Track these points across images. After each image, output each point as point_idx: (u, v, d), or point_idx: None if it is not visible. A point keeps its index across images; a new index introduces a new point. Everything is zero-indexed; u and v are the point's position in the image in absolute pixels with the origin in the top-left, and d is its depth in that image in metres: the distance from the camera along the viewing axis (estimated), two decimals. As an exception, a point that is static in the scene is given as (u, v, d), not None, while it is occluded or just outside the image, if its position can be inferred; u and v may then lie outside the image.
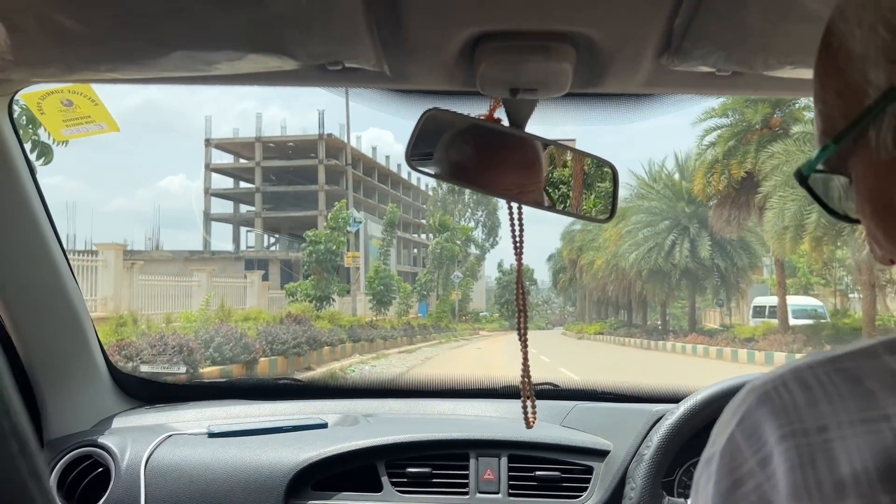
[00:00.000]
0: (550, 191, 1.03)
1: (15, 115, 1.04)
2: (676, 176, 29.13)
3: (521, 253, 1.03)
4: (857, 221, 0.55)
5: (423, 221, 47.10)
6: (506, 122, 1.00)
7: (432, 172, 1.00)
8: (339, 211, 24.13)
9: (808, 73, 0.84)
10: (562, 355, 21.09)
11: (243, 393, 1.63)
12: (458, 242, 38.23)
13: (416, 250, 47.63)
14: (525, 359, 1.08)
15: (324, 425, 1.44)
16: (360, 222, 29.06)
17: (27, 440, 0.29)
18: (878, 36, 0.47)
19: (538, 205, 1.01)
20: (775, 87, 0.95)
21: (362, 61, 0.85)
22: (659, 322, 32.73)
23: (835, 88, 0.52)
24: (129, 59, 0.81)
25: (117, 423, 1.44)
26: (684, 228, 27.14)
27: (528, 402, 1.10)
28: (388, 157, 45.65)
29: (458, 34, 0.85)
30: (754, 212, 20.19)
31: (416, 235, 48.15)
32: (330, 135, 38.95)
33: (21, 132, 1.08)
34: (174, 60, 0.81)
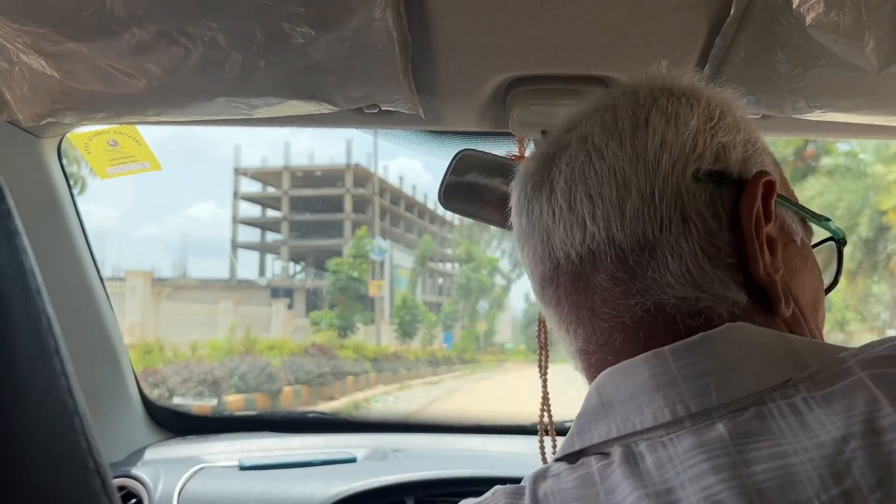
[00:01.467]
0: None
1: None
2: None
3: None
4: None
5: (449, 251, 47.22)
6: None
7: (465, 211, 1.01)
8: (361, 238, 24.29)
9: (836, 116, 0.85)
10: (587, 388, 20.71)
11: (272, 426, 1.64)
12: (485, 272, 38.17)
13: (441, 280, 47.68)
14: (545, 397, 1.08)
15: (353, 460, 1.45)
16: (386, 251, 29.20)
17: (100, 460, 0.30)
18: None
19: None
20: (805, 129, 0.95)
21: (398, 105, 0.88)
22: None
23: None
24: (175, 104, 0.84)
25: (150, 454, 1.46)
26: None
27: (548, 441, 1.10)
28: (414, 187, 46.03)
29: (492, 79, 0.88)
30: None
31: (441, 265, 48.24)
32: (357, 164, 39.43)
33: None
34: (217, 106, 0.84)
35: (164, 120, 0.90)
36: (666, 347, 0.49)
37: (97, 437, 1.03)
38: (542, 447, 1.12)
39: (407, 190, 44.84)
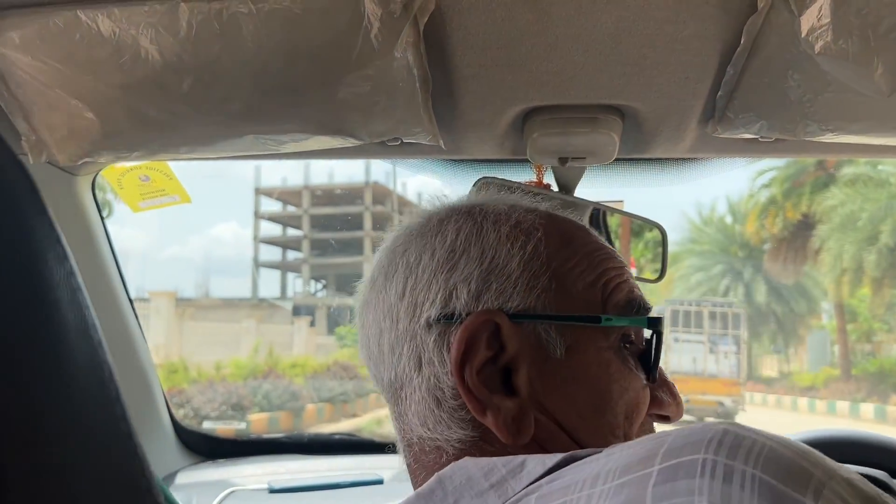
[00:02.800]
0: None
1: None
2: (728, 219, 28.65)
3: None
4: None
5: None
6: (554, 187, 1.04)
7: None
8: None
9: (847, 139, 0.86)
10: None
11: (300, 448, 1.67)
12: (505, 288, 37.99)
13: (462, 296, 47.59)
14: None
15: (380, 481, 1.46)
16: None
17: (153, 479, 0.33)
18: None
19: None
20: (817, 150, 0.97)
21: (419, 137, 0.90)
22: (713, 368, 31.69)
23: None
24: (206, 143, 0.88)
25: (181, 478, 1.49)
26: (738, 273, 26.56)
27: None
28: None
29: (509, 110, 0.90)
30: (811, 255, 19.71)
31: (461, 281, 48.11)
32: (376, 182, 39.66)
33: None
34: (246, 142, 0.88)
35: (195, 156, 0.94)
36: (412, 495, 0.53)
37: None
38: None
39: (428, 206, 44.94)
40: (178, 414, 1.60)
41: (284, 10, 0.74)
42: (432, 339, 0.57)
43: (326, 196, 41.04)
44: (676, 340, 14.69)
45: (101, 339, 0.32)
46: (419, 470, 0.59)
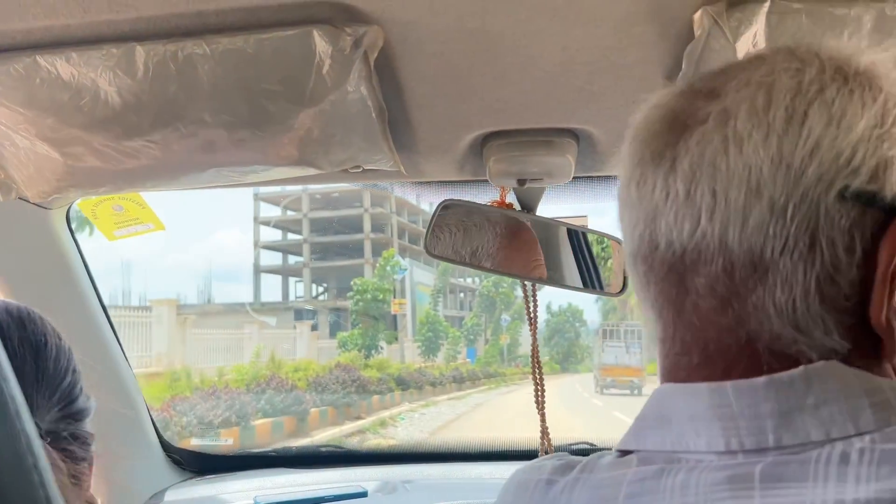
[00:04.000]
0: (564, 268, 1.08)
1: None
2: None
3: (536, 327, 1.08)
4: None
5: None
6: (517, 206, 1.06)
7: (451, 258, 1.06)
8: (388, 260, 24.41)
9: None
10: (615, 398, 20.62)
11: (287, 461, 1.70)
12: (506, 285, 38.11)
13: (461, 294, 47.68)
14: (543, 429, 1.12)
15: (363, 494, 1.49)
16: (405, 269, 29.30)
17: None
18: None
19: (552, 282, 1.07)
20: None
21: (380, 164, 0.93)
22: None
23: None
24: (170, 177, 0.90)
25: (170, 496, 1.51)
26: (735, 263, 26.56)
27: None
28: (432, 204, 46.16)
29: (466, 135, 0.93)
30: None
31: (462, 280, 48.29)
32: (373, 186, 39.61)
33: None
34: (209, 175, 0.90)
35: (161, 189, 0.96)
36: (729, 385, 0.46)
37: (118, 481, 1.09)
38: None
39: (425, 207, 45.06)
40: (182, 422, 1.62)
41: (238, 50, 0.76)
42: (846, 217, 0.44)
43: (325, 200, 41.08)
44: (606, 346, 23.91)
45: (20, 411, 0.34)
46: (747, 368, 0.47)
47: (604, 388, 21.78)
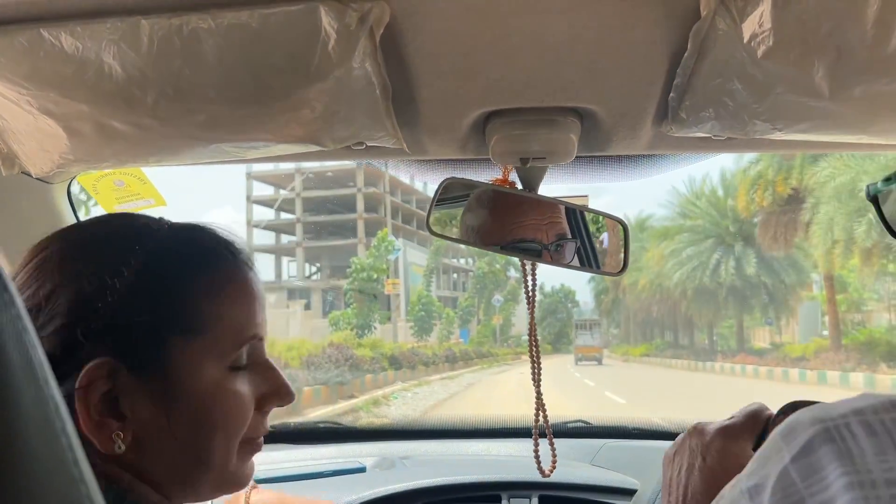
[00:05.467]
0: (564, 248, 1.09)
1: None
2: (720, 192, 28.73)
3: (534, 305, 1.09)
4: None
5: (463, 246, 47.17)
6: (519, 185, 1.07)
7: (452, 236, 1.06)
8: (382, 240, 24.40)
9: (796, 136, 0.89)
10: (606, 379, 20.84)
11: (285, 437, 1.71)
12: (499, 266, 38.15)
13: (455, 275, 47.71)
14: (539, 403, 1.13)
15: (362, 469, 1.51)
16: (399, 249, 29.27)
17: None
18: None
19: (552, 262, 1.07)
20: (769, 146, 1.00)
21: (383, 141, 0.93)
22: (706, 342, 32.14)
23: None
24: (172, 152, 0.90)
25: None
26: (729, 246, 26.68)
27: (550, 448, 1.15)
28: (425, 184, 45.97)
29: (470, 113, 0.93)
30: (801, 227, 19.83)
31: (455, 260, 48.28)
32: (368, 163, 39.44)
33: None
34: (211, 151, 0.90)
35: (163, 165, 0.96)
36: None
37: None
38: (536, 452, 1.17)
39: (418, 187, 44.92)
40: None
41: (243, 24, 0.76)
42: None
43: (318, 179, 40.87)
44: (578, 333, 35.69)
45: (48, 378, 0.35)
46: None
47: (578, 361, 32.54)
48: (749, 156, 20.40)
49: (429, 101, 0.90)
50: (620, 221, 1.07)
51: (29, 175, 0.96)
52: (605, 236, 1.09)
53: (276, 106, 0.84)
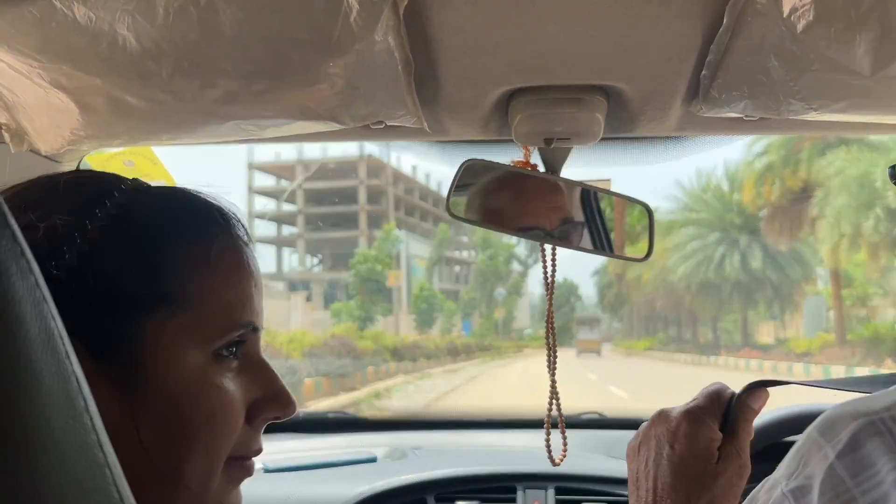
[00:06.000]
0: (586, 232, 1.06)
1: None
2: (725, 186, 28.68)
3: (552, 292, 1.07)
4: None
5: (465, 239, 47.23)
6: (541, 167, 1.04)
7: (472, 219, 1.04)
8: (388, 233, 24.40)
9: (832, 116, 0.86)
10: (610, 373, 20.84)
11: (295, 427, 1.69)
12: (501, 259, 38.15)
13: (457, 268, 47.70)
14: (553, 392, 1.11)
15: (373, 459, 1.48)
16: (401, 242, 29.27)
17: (124, 490, 0.33)
18: None
19: (574, 246, 1.04)
20: (802, 127, 0.97)
21: (403, 119, 0.90)
22: (710, 337, 32.17)
23: None
24: (187, 129, 0.88)
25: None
26: (734, 240, 26.64)
27: (562, 437, 1.13)
28: (428, 176, 45.95)
29: (493, 91, 0.90)
30: (807, 222, 19.78)
31: (457, 253, 48.25)
32: (370, 155, 39.45)
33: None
34: (227, 128, 0.87)
35: (176, 142, 0.93)
36: None
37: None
38: (547, 441, 1.15)
39: (421, 179, 44.81)
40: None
41: (262, -5, 0.73)
42: None
43: (320, 170, 40.84)
44: (578, 329, 37.37)
45: (69, 351, 0.32)
46: None
47: (579, 353, 34.44)
48: (755, 148, 20.31)
49: (451, 78, 0.87)
50: (645, 205, 1.04)
51: (38, 153, 0.93)
52: (628, 220, 1.06)
53: (294, 80, 0.81)
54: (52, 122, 0.86)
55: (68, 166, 1.07)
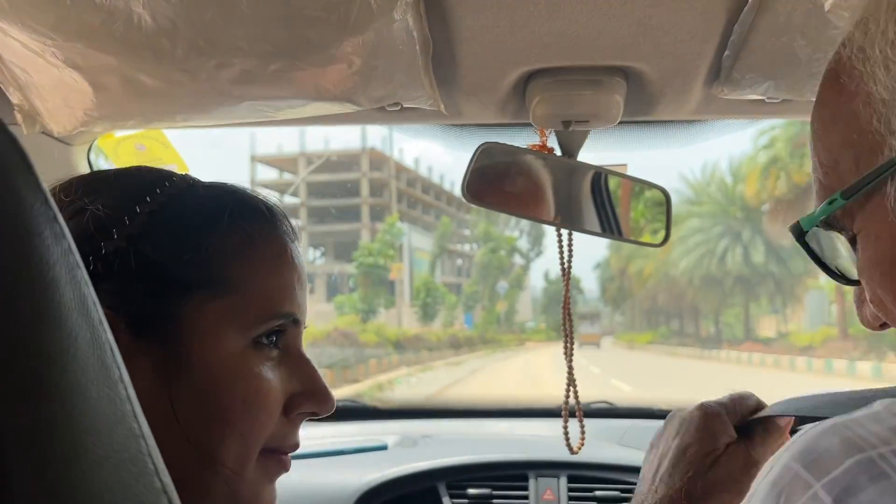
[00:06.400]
0: (604, 217, 1.05)
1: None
2: (729, 179, 28.61)
3: (569, 278, 1.05)
4: (855, 283, 0.50)
5: (467, 232, 47.20)
6: (558, 151, 1.03)
7: (488, 203, 1.02)
8: (391, 226, 24.39)
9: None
10: (612, 366, 20.85)
11: (305, 415, 1.68)
12: (503, 252, 38.14)
13: (460, 261, 47.69)
14: (570, 380, 1.10)
15: (384, 447, 1.48)
16: (404, 234, 29.25)
17: (166, 479, 0.32)
18: None
19: (591, 231, 1.03)
20: None
21: (420, 101, 0.89)
22: (712, 330, 32.20)
23: (843, 135, 0.47)
24: (202, 110, 0.86)
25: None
26: (737, 234, 26.60)
27: (579, 425, 1.12)
28: (430, 169, 45.90)
29: (511, 72, 0.88)
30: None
31: (460, 246, 48.22)
32: (373, 148, 39.38)
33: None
34: (242, 109, 0.86)
35: (191, 124, 0.92)
36: None
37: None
38: (565, 430, 1.14)
39: (423, 172, 44.75)
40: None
41: (280, -29, 0.72)
42: None
43: (323, 163, 40.77)
44: (580, 323, 34.30)
45: (102, 318, 0.31)
46: None
47: (581, 345, 33.42)
48: (760, 141, 20.23)
49: (469, 59, 0.85)
50: (663, 190, 1.03)
51: (50, 135, 0.92)
52: (649, 206, 1.05)
53: (312, 60, 0.79)
54: (64, 103, 0.85)
55: (79, 150, 1.06)
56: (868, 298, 0.48)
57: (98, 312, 0.31)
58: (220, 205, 0.60)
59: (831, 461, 0.35)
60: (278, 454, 0.61)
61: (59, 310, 0.28)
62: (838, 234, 0.49)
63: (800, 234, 0.51)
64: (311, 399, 0.61)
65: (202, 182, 0.65)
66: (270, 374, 0.58)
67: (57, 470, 0.27)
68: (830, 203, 0.46)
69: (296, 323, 0.61)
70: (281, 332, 0.60)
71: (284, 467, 0.62)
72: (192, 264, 0.56)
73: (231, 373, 0.55)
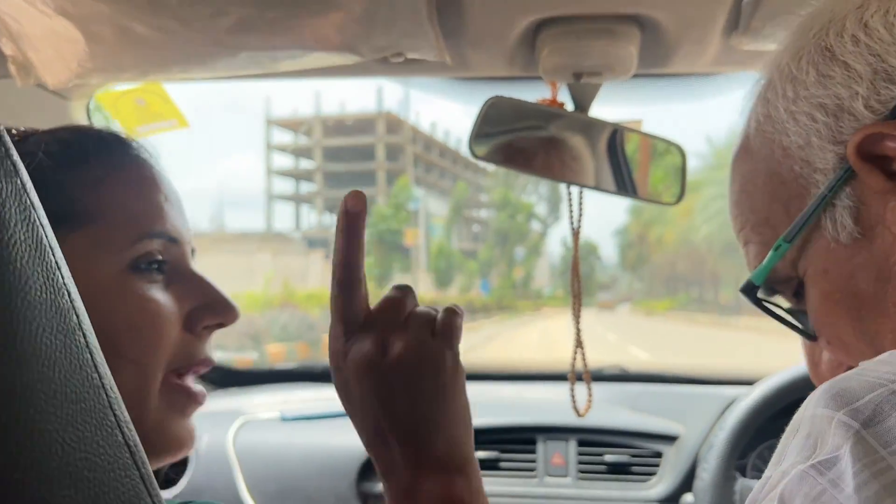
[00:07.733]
0: (616, 174, 1.01)
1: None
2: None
3: (578, 238, 1.03)
4: (814, 338, 0.51)
5: (484, 197, 46.99)
6: (569, 106, 0.99)
7: (496, 159, 0.99)
8: (402, 188, 24.31)
9: (891, 48, 0.80)
10: (629, 333, 20.84)
11: (311, 377, 1.68)
12: (521, 218, 37.99)
13: (476, 227, 47.58)
14: (578, 343, 1.08)
15: (391, 408, 1.47)
16: (418, 199, 29.17)
17: (129, 432, 0.30)
18: (817, 122, 0.46)
19: (603, 189, 1.00)
20: None
21: (424, 52, 0.85)
22: (732, 298, 32.10)
23: (768, 192, 0.50)
24: (199, 61, 0.84)
25: (194, 406, 1.50)
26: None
27: (587, 388, 1.11)
28: (447, 133, 45.50)
29: (520, 21, 0.84)
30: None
31: (476, 212, 48.05)
32: (389, 111, 39.11)
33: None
34: (240, 60, 0.83)
35: (188, 76, 0.89)
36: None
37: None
38: (572, 393, 1.12)
39: (440, 136, 44.41)
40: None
41: (275, -89, 0.68)
42: None
43: (338, 126, 40.58)
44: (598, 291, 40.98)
45: (60, 262, 0.29)
46: None
47: (598, 311, 34.13)
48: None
49: (475, 6, 0.81)
50: (677, 146, 0.99)
51: (45, 88, 0.90)
52: (660, 161, 1.01)
53: (310, 7, 0.76)
54: (57, 53, 0.82)
55: (78, 106, 1.03)
56: (826, 343, 0.50)
57: (55, 255, 0.29)
58: (66, 147, 0.60)
59: (852, 395, 0.37)
60: (183, 378, 0.59)
61: (6, 250, 0.26)
62: (784, 298, 0.52)
63: (752, 291, 0.53)
64: (211, 310, 0.60)
65: (43, 130, 0.64)
66: (158, 295, 0.57)
67: (4, 422, 0.25)
68: (777, 249, 0.49)
69: (174, 241, 0.60)
70: (160, 252, 0.59)
71: (195, 400, 0.60)
72: (46, 201, 0.56)
73: (109, 299, 0.55)
